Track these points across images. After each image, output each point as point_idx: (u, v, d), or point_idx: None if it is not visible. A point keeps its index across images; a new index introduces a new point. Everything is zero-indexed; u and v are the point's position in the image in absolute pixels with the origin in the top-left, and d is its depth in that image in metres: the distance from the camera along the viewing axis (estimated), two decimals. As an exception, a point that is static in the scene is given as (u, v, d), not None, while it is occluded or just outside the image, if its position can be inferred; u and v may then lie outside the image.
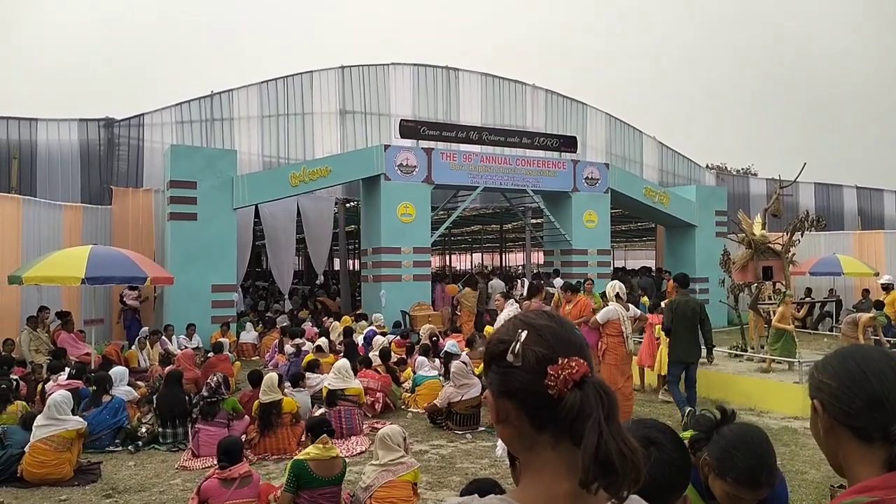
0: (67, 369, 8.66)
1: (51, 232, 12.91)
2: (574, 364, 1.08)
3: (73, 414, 6.73)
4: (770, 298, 11.49)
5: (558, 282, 15.93)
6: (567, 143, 18.01)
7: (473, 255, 52.66)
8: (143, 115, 16.12)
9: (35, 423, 6.31)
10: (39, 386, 8.11)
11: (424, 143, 16.05)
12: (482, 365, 7.12)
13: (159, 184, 15.31)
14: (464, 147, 16.93)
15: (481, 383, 8.18)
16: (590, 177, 17.64)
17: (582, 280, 11.64)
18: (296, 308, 18.24)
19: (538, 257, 28.13)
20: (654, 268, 21.73)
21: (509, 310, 8.62)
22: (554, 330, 1.15)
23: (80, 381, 8.02)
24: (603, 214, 17.88)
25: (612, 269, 19.30)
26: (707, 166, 24.94)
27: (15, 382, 8.04)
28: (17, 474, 6.11)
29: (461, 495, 3.23)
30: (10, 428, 6.42)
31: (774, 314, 10.08)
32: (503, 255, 40.56)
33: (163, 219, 14.64)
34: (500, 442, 2.27)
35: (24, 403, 7.49)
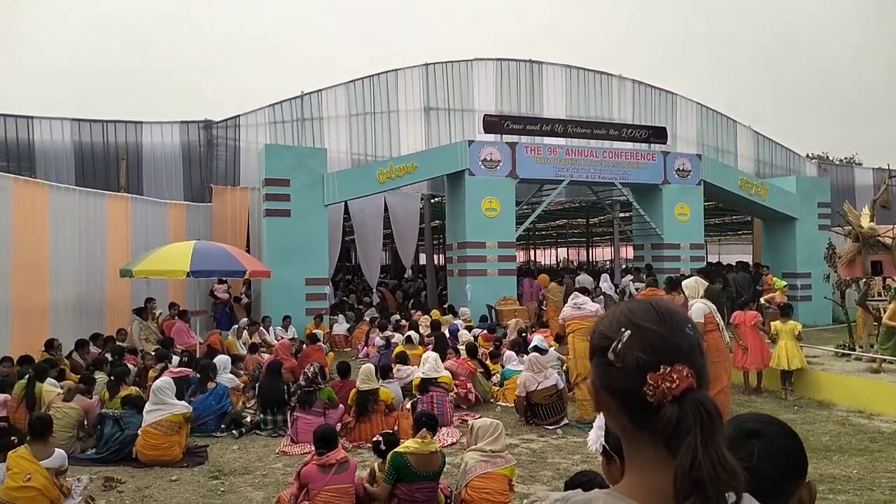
0: (177, 357, 9.19)
1: (157, 228, 13.74)
2: (676, 376, 1.02)
3: (182, 400, 7.15)
4: (880, 295, 10.81)
5: (626, 279, 15.59)
6: (656, 135, 17.51)
7: (559, 249, 52.05)
8: (239, 116, 16.85)
9: (145, 409, 6.74)
10: (151, 373, 8.65)
11: (508, 138, 16.01)
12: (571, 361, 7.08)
13: (255, 182, 15.97)
14: (548, 140, 16.76)
15: (561, 378, 8.18)
16: (681, 168, 17.09)
17: (675, 276, 11.32)
18: (383, 301, 18.56)
19: (627, 252, 27.53)
20: (751, 263, 20.83)
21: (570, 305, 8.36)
22: (659, 334, 1.07)
23: (189, 369, 8.50)
24: (695, 207, 17.28)
25: (705, 263, 18.60)
26: (807, 156, 23.65)
27: (129, 368, 8.59)
28: (132, 455, 6.54)
29: (565, 488, 3.24)
30: (126, 412, 6.88)
31: (885, 311, 9.47)
32: (590, 250, 39.86)
33: (259, 215, 15.27)
34: (591, 436, 2.25)
35: (137, 388, 8.00)
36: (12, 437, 5.62)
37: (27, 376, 7.45)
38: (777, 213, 18.27)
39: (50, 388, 7.44)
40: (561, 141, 16.83)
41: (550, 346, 9.62)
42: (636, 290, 15.56)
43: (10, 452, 5.13)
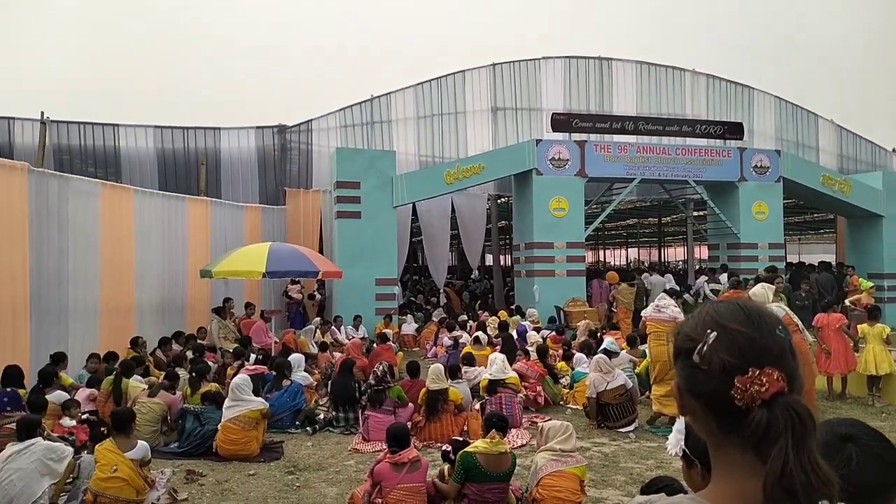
0: (253, 356, 9.50)
1: (234, 230, 14.24)
2: (766, 379, 0.98)
3: (258, 396, 7.38)
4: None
5: (724, 277, 15.08)
6: (732, 130, 16.93)
7: (629, 250, 51.03)
8: (311, 120, 17.27)
9: (224, 405, 6.99)
10: (230, 370, 8.96)
11: (577, 136, 15.81)
12: (643, 363, 7.00)
13: (327, 184, 16.33)
14: (618, 138, 16.46)
15: (633, 380, 8.06)
16: (759, 165, 16.47)
17: (745, 278, 10.91)
18: (450, 301, 18.65)
19: (701, 252, 26.75)
20: (834, 263, 19.88)
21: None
22: (748, 335, 1.04)
23: (264, 367, 8.77)
24: (774, 205, 16.62)
25: (785, 264, 17.86)
26: (894, 150, 22.38)
27: (208, 365, 8.94)
28: (212, 449, 6.80)
29: (641, 493, 3.18)
30: (206, 408, 7.15)
31: None
32: (662, 250, 38.91)
33: (330, 217, 15.61)
34: (671, 440, 2.20)
35: (217, 385, 8.30)
36: (101, 429, 5.94)
37: (114, 372, 7.85)
38: (862, 210, 17.37)
39: (135, 384, 7.81)
40: (631, 139, 16.49)
41: (622, 348, 9.44)
42: (711, 291, 15.09)
43: (97, 445, 5.42)
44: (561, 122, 15.79)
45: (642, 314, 8.39)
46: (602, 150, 15.54)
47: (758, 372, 0.99)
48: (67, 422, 6.79)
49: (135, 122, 16.48)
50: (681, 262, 44.67)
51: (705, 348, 1.05)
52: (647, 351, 9.59)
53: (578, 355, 9.47)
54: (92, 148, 16.02)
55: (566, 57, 19.41)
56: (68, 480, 5.28)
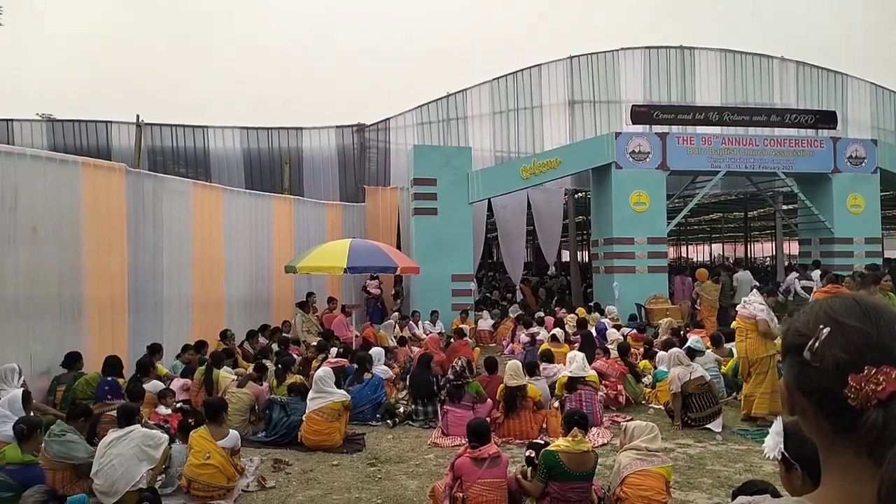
0: (335, 349, 9.74)
1: (316, 227, 14.65)
2: (882, 378, 0.93)
3: (340, 389, 7.56)
4: None
5: (816, 274, 14.36)
6: (824, 119, 16.08)
7: (713, 245, 49.32)
8: (388, 119, 17.55)
9: (308, 397, 7.19)
10: (315, 363, 9.22)
11: (658, 128, 15.39)
12: (730, 363, 6.79)
13: (404, 182, 16.55)
14: (701, 129, 15.93)
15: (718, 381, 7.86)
16: (853, 155, 15.58)
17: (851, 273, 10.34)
18: (526, 298, 18.54)
19: (790, 247, 25.59)
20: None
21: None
22: (864, 332, 0.98)
23: (345, 360, 8.98)
24: (871, 198, 15.69)
25: (882, 260, 16.83)
26: None
27: (293, 358, 9.23)
28: (297, 439, 7.01)
29: (732, 497, 3.07)
30: (292, 399, 7.38)
31: None
32: (748, 246, 37.41)
33: (407, 214, 15.80)
34: (768, 442, 2.11)
35: (301, 377, 8.55)
36: (189, 419, 6.21)
37: (206, 363, 8.22)
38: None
39: (225, 375, 8.15)
40: (716, 130, 15.94)
41: (707, 347, 9.14)
42: (803, 289, 14.40)
43: (191, 433, 5.69)
44: (641, 114, 15.41)
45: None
46: (685, 142, 15.07)
47: (874, 370, 0.94)
48: (163, 410, 7.15)
49: (222, 124, 17.21)
50: (768, 259, 42.85)
51: (817, 344, 1.00)
52: (733, 349, 9.29)
53: (661, 354, 9.21)
54: (183, 149, 16.85)
55: (646, 47, 18.94)
56: (164, 466, 5.56)
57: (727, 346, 9.35)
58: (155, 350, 8.60)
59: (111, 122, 16.98)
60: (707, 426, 7.38)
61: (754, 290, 8.48)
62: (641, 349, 10.75)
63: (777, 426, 2.12)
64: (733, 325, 9.99)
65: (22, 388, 6.19)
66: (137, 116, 15.95)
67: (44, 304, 7.70)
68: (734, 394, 8.64)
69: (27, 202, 7.48)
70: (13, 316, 7.33)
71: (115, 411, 6.00)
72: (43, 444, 5.12)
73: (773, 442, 2.09)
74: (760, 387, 7.58)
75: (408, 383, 8.39)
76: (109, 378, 7.38)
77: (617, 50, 18.76)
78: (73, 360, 7.65)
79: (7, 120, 16.80)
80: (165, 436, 5.69)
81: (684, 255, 46.64)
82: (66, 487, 5.05)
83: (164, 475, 5.58)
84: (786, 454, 2.04)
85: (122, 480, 5.21)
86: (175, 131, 17.03)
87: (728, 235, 43.46)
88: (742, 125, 16.18)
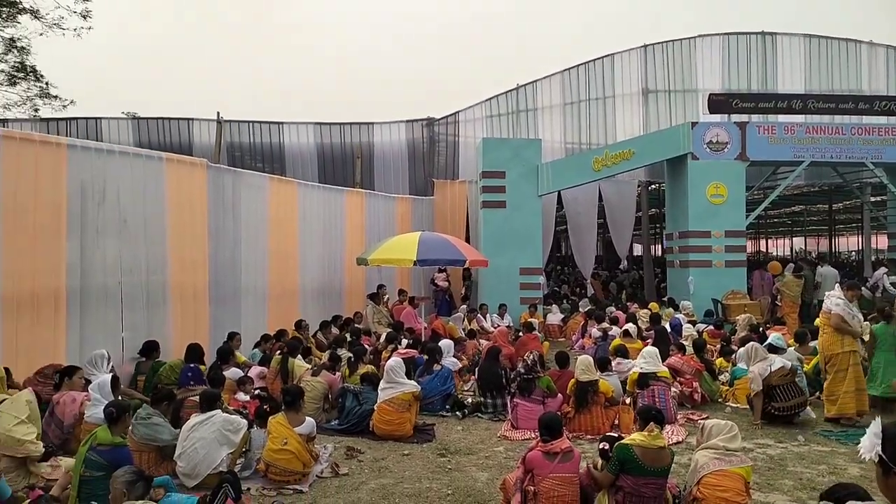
0: (405, 340, 9.85)
1: (387, 220, 14.85)
2: None
3: (410, 379, 7.64)
4: None
5: (879, 272, 13.58)
6: (919, 106, 15.11)
7: (794, 239, 47.22)
8: (458, 112, 17.57)
9: (379, 387, 7.29)
10: (385, 353, 9.36)
11: (737, 118, 14.82)
12: (812, 361, 6.53)
13: (472, 175, 16.55)
14: (783, 118, 15.25)
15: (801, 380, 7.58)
16: (951, 144, 14.59)
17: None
18: (596, 292, 18.25)
19: (877, 241, 24.25)
20: None
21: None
22: None
23: (415, 351, 9.07)
24: (971, 188, 14.67)
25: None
26: None
27: (365, 348, 9.38)
28: (369, 428, 7.13)
29: (822, 499, 2.93)
30: (364, 388, 7.52)
31: None
32: (832, 240, 35.65)
33: (476, 207, 15.80)
34: (864, 443, 2.00)
35: (373, 367, 8.70)
36: (265, 407, 6.41)
37: (282, 352, 8.46)
38: None
39: (301, 364, 8.38)
40: (799, 118, 15.23)
41: (789, 345, 8.77)
42: (892, 285, 13.64)
43: (269, 419, 5.86)
44: (719, 103, 14.88)
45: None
46: (766, 132, 14.47)
47: None
48: (242, 396, 7.40)
49: (297, 120, 17.66)
50: (853, 253, 40.75)
51: None
52: (816, 347, 8.89)
53: (740, 351, 8.89)
54: (259, 144, 17.38)
55: (724, 34, 18.27)
56: (243, 450, 5.76)
57: (812, 343, 8.95)
58: (233, 338, 8.93)
59: (192, 119, 17.67)
60: (796, 415, 7.25)
61: (836, 285, 8.13)
62: (718, 346, 10.42)
63: (875, 427, 2.02)
64: (817, 321, 9.60)
65: (111, 374, 6.54)
66: (218, 113, 16.52)
67: (131, 293, 8.11)
68: (816, 393, 8.27)
69: (115, 196, 7.88)
70: (103, 304, 7.74)
71: (197, 397, 6.26)
72: (130, 427, 5.38)
73: (869, 443, 1.99)
74: (842, 385, 7.26)
75: (476, 376, 8.39)
76: (192, 364, 7.71)
77: (694, 37, 18.16)
78: (150, 350, 8.03)
79: (96, 118, 17.72)
80: (245, 421, 5.89)
81: (763, 249, 44.78)
82: (152, 468, 5.29)
83: (242, 459, 5.79)
84: (884, 457, 1.94)
85: (203, 463, 5.44)
86: (252, 127, 17.57)
87: (811, 229, 41.53)
88: (827, 113, 15.39)
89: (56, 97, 19.35)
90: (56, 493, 4.70)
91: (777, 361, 7.49)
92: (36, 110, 19.24)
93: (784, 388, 7.27)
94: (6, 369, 6.19)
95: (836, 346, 7.38)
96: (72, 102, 19.64)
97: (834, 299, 7.49)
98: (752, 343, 8.05)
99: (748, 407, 8.08)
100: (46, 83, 19.06)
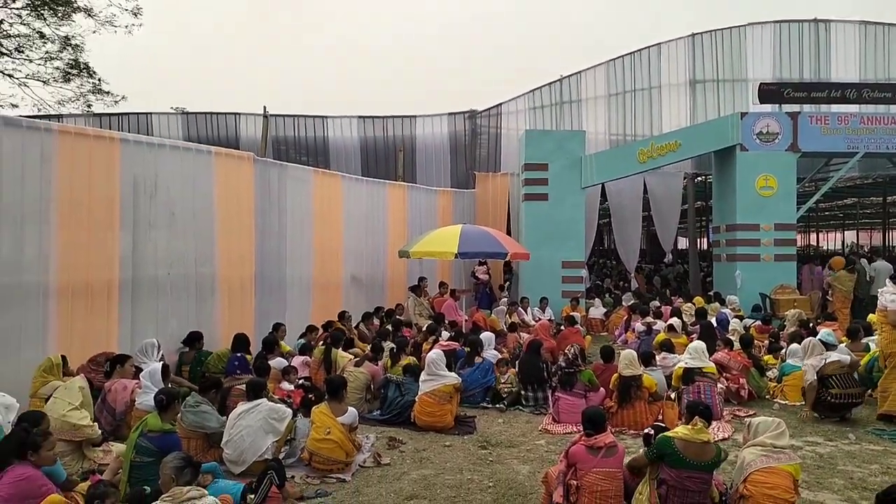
0: (446, 332, 9.88)
1: (429, 213, 14.90)
2: None
3: (451, 371, 7.66)
4: None
5: None
6: (981, 94, 14.44)
7: (846, 232, 45.74)
8: (500, 104, 17.50)
9: (421, 378, 7.34)
10: (426, 345, 9.41)
11: (788, 108, 14.40)
12: (865, 358, 6.36)
13: (514, 167, 16.46)
14: (837, 108, 14.75)
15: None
16: None
17: None
18: (640, 286, 18.03)
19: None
20: None
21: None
22: None
23: (456, 343, 9.09)
24: None
25: None
26: None
27: (407, 339, 9.45)
28: (411, 419, 7.19)
29: (878, 501, 2.85)
30: (406, 379, 7.58)
31: None
32: (886, 233, 34.41)
33: (517, 199, 15.73)
34: None
35: (414, 359, 8.75)
36: (309, 396, 6.51)
37: (325, 343, 8.59)
38: None
39: (343, 354, 8.48)
40: (853, 108, 14.71)
41: (840, 341, 8.51)
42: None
43: (313, 408, 5.96)
44: (770, 93, 14.46)
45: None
46: (818, 122, 14.02)
47: None
48: (286, 386, 7.54)
49: (341, 114, 17.84)
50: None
51: None
52: (870, 344, 8.62)
53: (794, 346, 8.66)
54: (304, 138, 17.62)
55: (775, 21, 17.74)
56: (288, 439, 5.87)
57: (864, 340, 8.67)
58: (278, 328, 9.09)
59: (239, 113, 18.00)
60: (854, 405, 7.19)
61: (889, 281, 7.85)
62: (766, 342, 10.18)
63: None
64: (870, 317, 9.31)
65: (161, 362, 6.73)
66: (264, 108, 16.80)
67: (180, 284, 8.31)
68: (868, 391, 8.04)
69: (165, 189, 8.08)
70: (153, 295, 7.96)
71: (243, 385, 6.39)
72: (179, 415, 5.53)
73: None
74: None
75: (517, 369, 8.37)
76: (238, 354, 7.87)
77: (744, 25, 17.68)
78: (193, 340, 8.21)
79: (146, 113, 18.20)
80: (289, 410, 6.00)
81: (813, 242, 43.49)
82: (200, 455, 5.44)
83: (287, 447, 5.90)
84: None
85: (249, 451, 5.56)
86: (297, 121, 17.81)
87: (863, 222, 40.17)
88: (883, 103, 14.83)
89: (108, 93, 19.88)
90: (108, 478, 4.86)
91: (833, 356, 7.35)
92: (89, 106, 19.82)
93: (840, 378, 7.18)
94: (63, 357, 6.42)
95: (894, 343, 7.15)
96: (123, 98, 20.17)
97: (889, 295, 7.26)
98: (809, 338, 7.89)
99: (796, 404, 7.92)
100: (99, 79, 19.59)
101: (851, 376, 7.26)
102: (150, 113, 18.24)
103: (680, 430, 4.42)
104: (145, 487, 4.01)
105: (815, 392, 7.24)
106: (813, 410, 7.39)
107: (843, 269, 13.18)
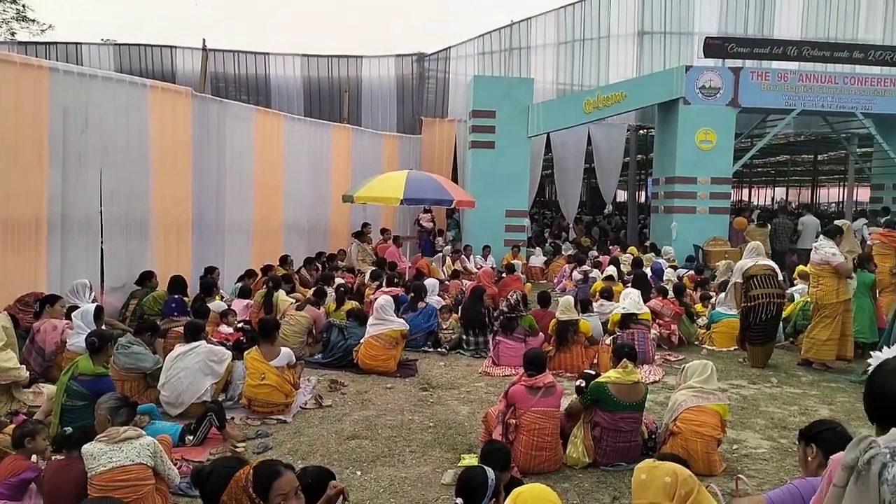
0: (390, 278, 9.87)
1: (374, 158, 14.66)
2: None
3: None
4: None
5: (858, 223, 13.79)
6: (913, 57, 14.98)
7: (776, 189, 47.47)
8: (449, 48, 17.18)
9: (369, 323, 7.34)
10: (368, 291, 9.39)
11: (731, 63, 14.64)
12: (787, 308, 6.56)
13: (462, 114, 16.31)
14: (777, 65, 15.08)
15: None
16: (942, 96, 14.55)
17: None
18: (578, 236, 18.37)
19: (857, 193, 24.48)
20: None
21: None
22: None
23: (399, 289, 9.11)
24: (958, 142, 14.72)
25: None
26: None
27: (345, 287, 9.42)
28: (353, 361, 7.21)
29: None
30: (350, 323, 7.58)
31: None
32: (815, 191, 35.88)
33: (464, 147, 15.64)
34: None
35: (357, 303, 8.74)
36: (242, 338, 6.43)
37: (267, 286, 8.46)
38: None
39: (285, 298, 8.39)
40: (793, 65, 15.08)
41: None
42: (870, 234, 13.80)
43: (244, 353, 5.87)
44: (715, 47, 14.66)
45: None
46: (759, 78, 14.32)
47: None
48: (225, 329, 7.44)
49: (284, 51, 17.18)
50: (833, 205, 41.15)
51: None
52: (794, 294, 9.07)
53: (721, 296, 9.03)
54: (244, 76, 16.93)
55: (724, -24, 17.86)
56: (226, 382, 5.81)
57: (788, 290, 9.11)
58: (212, 272, 8.91)
59: (175, 46, 17.13)
60: (772, 336, 7.46)
61: (821, 235, 8.16)
62: (698, 291, 10.57)
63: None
64: (801, 268, 9.73)
65: (94, 303, 6.52)
66: (203, 41, 15.98)
67: (113, 223, 8.00)
68: (790, 339, 8.49)
69: (98, 123, 7.68)
70: (84, 233, 7.64)
71: (181, 327, 6.27)
72: (112, 357, 5.39)
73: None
74: (826, 332, 7.34)
75: (459, 314, 8.47)
76: (176, 296, 7.69)
77: (693, -23, 17.76)
78: (144, 278, 8.03)
79: (75, 43, 17.13)
80: (229, 352, 5.93)
81: (746, 198, 45.01)
82: (136, 397, 5.32)
83: (226, 392, 5.83)
84: None
85: (187, 392, 5.49)
86: (237, 57, 17.09)
87: (794, 179, 41.73)
88: (822, 61, 15.23)
89: (34, 21, 18.66)
90: (40, 419, 4.73)
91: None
92: (13, 34, 18.56)
93: (762, 278, 7.42)
94: (-14, 296, 6.14)
95: (831, 296, 7.30)
96: (50, 27, 18.98)
97: (828, 249, 7.37)
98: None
99: (723, 349, 8.31)
100: (23, 5, 18.32)
101: (774, 278, 7.47)
102: (80, 43, 17.17)
103: (612, 374, 4.59)
104: (66, 429, 3.89)
105: (740, 291, 7.57)
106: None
107: (753, 225, 13.74)
